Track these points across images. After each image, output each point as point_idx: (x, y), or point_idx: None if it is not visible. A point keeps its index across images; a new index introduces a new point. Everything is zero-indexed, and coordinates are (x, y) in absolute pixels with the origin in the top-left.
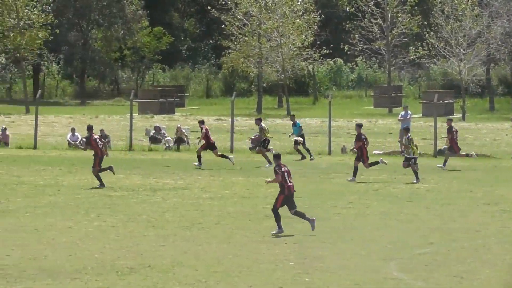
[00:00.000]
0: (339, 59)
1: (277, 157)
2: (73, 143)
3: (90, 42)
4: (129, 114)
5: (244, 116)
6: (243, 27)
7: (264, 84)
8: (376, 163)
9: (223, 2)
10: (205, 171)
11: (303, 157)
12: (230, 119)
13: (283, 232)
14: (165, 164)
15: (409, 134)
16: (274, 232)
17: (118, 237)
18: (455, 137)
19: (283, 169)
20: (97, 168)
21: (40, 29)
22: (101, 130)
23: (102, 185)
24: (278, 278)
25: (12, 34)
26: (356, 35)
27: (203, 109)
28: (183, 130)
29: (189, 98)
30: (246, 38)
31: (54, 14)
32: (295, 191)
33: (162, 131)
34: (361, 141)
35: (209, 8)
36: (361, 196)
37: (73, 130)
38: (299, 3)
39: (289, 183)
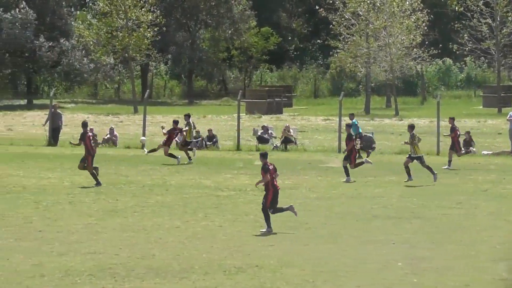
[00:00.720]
0: (448, 59)
1: (264, 155)
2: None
3: (198, 42)
4: (236, 114)
5: None
6: (351, 26)
7: (372, 84)
8: (362, 163)
9: (331, 2)
10: (312, 171)
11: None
12: (337, 119)
13: (272, 231)
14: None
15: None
16: (263, 231)
17: (225, 236)
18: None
19: (270, 168)
20: (90, 166)
21: (148, 29)
22: (209, 130)
23: (98, 183)
24: (385, 278)
25: (121, 34)
26: (465, 35)
27: (310, 109)
28: (291, 130)
29: (297, 98)
30: (354, 38)
31: (162, 14)
32: (279, 188)
33: (270, 131)
34: (353, 141)
35: (317, 8)
36: (470, 197)
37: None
38: (407, 3)
39: (275, 181)
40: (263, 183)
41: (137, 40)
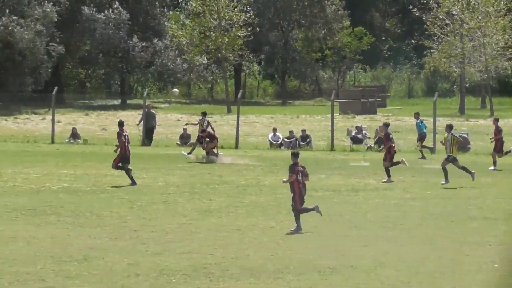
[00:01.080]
0: None
1: (294, 155)
2: (274, 143)
3: (291, 42)
4: (330, 114)
5: (446, 117)
6: (445, 26)
7: (467, 85)
8: (398, 163)
9: (425, 2)
10: (407, 172)
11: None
12: (432, 120)
13: (301, 230)
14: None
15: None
16: (293, 229)
17: (319, 237)
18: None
19: (297, 168)
20: (116, 164)
21: (241, 29)
22: (303, 131)
23: (133, 183)
24: (482, 280)
25: (214, 34)
26: None
27: (404, 109)
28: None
29: (391, 99)
30: (448, 38)
31: (255, 14)
32: (302, 188)
33: (364, 131)
34: (390, 141)
35: (410, 7)
36: None
37: (274, 130)
38: (502, 3)
39: (301, 183)
40: (288, 181)
41: (230, 40)
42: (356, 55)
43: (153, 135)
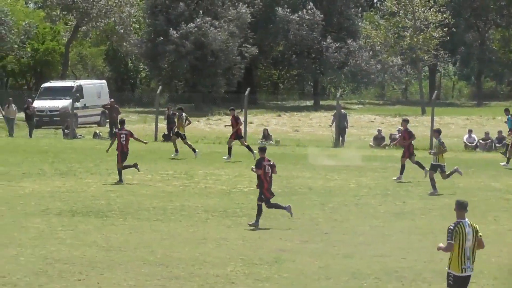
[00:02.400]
0: None
1: (262, 150)
2: (469, 144)
3: (487, 43)
4: None
5: None
6: None
7: None
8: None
9: None
10: None
11: None
12: None
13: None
14: None
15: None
16: (251, 223)
17: None
18: None
19: (264, 163)
20: (120, 164)
21: (436, 29)
22: (499, 132)
23: (120, 180)
24: None
25: (408, 35)
26: None
27: None
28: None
29: None
30: None
31: (451, 14)
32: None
33: None
34: (412, 137)
35: None
36: None
37: (470, 131)
38: None
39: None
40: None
41: (425, 41)
42: None
43: (345, 136)
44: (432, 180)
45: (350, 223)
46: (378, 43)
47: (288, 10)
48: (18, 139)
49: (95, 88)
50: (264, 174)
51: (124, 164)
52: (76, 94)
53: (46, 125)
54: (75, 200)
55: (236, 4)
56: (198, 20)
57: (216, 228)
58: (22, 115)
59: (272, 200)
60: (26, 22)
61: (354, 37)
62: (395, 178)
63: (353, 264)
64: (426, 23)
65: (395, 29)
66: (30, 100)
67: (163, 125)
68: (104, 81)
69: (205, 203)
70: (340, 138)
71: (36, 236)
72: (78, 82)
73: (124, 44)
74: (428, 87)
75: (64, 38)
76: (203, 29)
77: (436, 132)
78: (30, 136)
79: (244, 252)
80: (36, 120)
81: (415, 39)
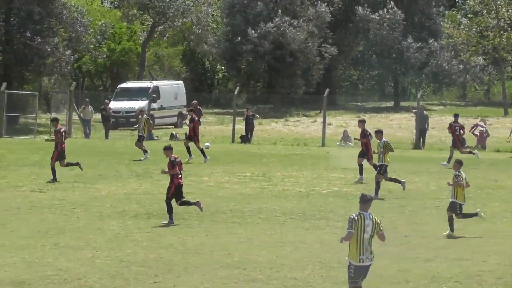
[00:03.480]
0: None
1: (169, 149)
2: None
3: None
4: None
5: None
6: None
7: None
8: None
9: None
10: None
11: None
12: None
13: (173, 223)
14: None
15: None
16: (165, 222)
17: None
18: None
19: (177, 160)
20: (53, 161)
21: None
22: None
23: (54, 179)
24: None
25: (491, 34)
26: None
27: None
28: None
29: None
30: None
31: None
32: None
33: None
34: (366, 138)
35: None
36: None
37: None
38: None
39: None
40: (169, 173)
41: (508, 40)
42: None
43: (426, 137)
44: (377, 184)
45: (429, 226)
46: (460, 42)
47: (369, 9)
48: (94, 140)
49: (172, 89)
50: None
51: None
52: (152, 95)
53: (122, 127)
54: (151, 203)
55: (315, 3)
56: (276, 19)
57: (293, 231)
58: (98, 116)
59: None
60: (102, 22)
61: (436, 37)
62: (356, 179)
63: (433, 268)
64: (510, 22)
65: (478, 28)
66: (107, 101)
67: (240, 127)
68: (181, 81)
69: (283, 205)
70: (421, 139)
71: (112, 239)
72: (155, 83)
73: (202, 44)
74: (511, 88)
75: (141, 38)
76: (281, 28)
77: (379, 133)
78: (106, 137)
79: (322, 255)
80: (112, 122)
81: (498, 39)
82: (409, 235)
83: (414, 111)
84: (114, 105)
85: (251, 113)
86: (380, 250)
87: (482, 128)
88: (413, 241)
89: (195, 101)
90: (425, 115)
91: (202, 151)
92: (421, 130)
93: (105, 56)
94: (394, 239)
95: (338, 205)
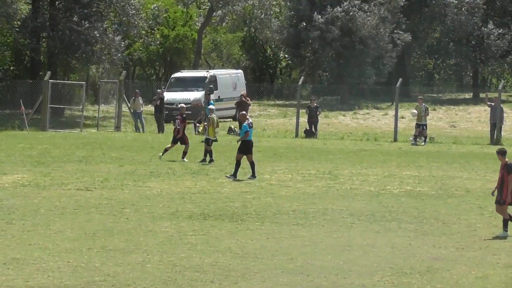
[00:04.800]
0: None
1: None
2: None
3: None
4: None
5: None
6: None
7: None
8: None
9: None
10: None
11: None
12: None
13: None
14: None
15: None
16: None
17: None
18: None
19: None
20: None
21: None
22: None
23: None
24: None
25: None
26: None
27: None
28: None
29: None
30: None
31: None
32: None
33: None
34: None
35: None
36: None
37: None
38: None
39: None
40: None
41: None
42: None
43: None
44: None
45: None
46: None
47: None
48: (145, 134)
49: (231, 78)
50: None
51: None
52: (209, 85)
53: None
54: (207, 202)
55: None
56: (345, 3)
57: (362, 234)
58: (150, 108)
59: None
60: (155, 5)
61: None
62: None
63: None
64: None
65: None
66: (159, 90)
67: (304, 120)
68: (240, 70)
69: (351, 206)
70: (496, 133)
71: (164, 242)
72: (212, 72)
73: (264, 30)
74: None
75: (197, 24)
76: (350, 13)
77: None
78: (159, 131)
79: (393, 261)
80: (165, 114)
81: None
82: (488, 239)
83: (488, 103)
84: (167, 96)
85: (315, 104)
86: (457, 254)
87: None
88: (494, 246)
89: (244, 91)
90: (501, 108)
91: (166, 150)
92: (495, 125)
93: (158, 42)
94: (473, 243)
95: (410, 206)
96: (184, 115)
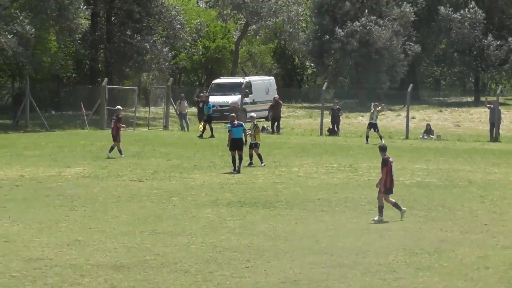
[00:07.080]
0: None
1: None
2: None
3: None
4: None
5: None
6: None
7: None
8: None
9: None
10: None
11: None
12: None
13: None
14: None
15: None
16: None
17: None
18: None
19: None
20: None
21: None
22: None
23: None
24: None
25: None
26: None
27: None
28: None
29: None
30: None
31: None
32: None
33: None
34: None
35: None
36: None
37: None
38: None
39: None
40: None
41: None
42: None
43: (499, 130)
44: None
45: (509, 215)
46: None
47: (450, 9)
48: (190, 133)
49: (264, 84)
50: None
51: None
52: (245, 90)
53: (216, 120)
54: (244, 192)
55: (400, 3)
56: (363, 19)
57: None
58: (194, 110)
59: None
60: (198, 20)
61: None
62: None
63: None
64: None
65: None
66: (202, 94)
67: (328, 120)
68: (272, 77)
69: (368, 195)
70: (494, 131)
71: (206, 226)
72: (247, 78)
73: (293, 42)
74: None
75: (234, 36)
76: (368, 27)
77: (251, 118)
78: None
79: (406, 242)
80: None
81: None
82: (489, 224)
83: (488, 105)
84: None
85: (337, 106)
86: (461, 237)
87: None
88: (493, 230)
89: (277, 95)
90: (499, 109)
91: (112, 148)
92: (494, 124)
93: (200, 53)
94: (475, 227)
95: (420, 195)
96: (120, 116)
